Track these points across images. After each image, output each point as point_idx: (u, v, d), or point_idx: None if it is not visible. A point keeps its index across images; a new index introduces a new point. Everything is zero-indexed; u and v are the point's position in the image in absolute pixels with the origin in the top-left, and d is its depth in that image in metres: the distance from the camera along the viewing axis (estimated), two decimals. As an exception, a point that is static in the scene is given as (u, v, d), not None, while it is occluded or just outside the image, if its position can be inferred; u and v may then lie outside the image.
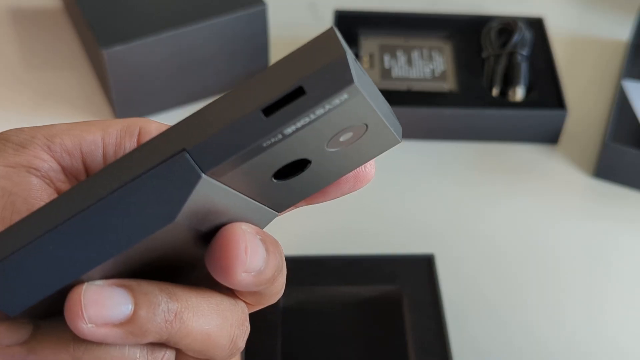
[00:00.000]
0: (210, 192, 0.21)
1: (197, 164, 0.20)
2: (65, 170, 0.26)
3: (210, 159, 0.20)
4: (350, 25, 0.72)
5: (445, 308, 0.52)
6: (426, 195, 0.62)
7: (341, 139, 0.22)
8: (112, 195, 0.21)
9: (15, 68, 0.72)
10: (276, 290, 0.26)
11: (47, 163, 0.26)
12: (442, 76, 0.68)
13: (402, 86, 0.67)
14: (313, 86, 0.19)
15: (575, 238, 0.59)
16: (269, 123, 0.20)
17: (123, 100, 0.65)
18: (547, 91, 0.67)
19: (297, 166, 0.23)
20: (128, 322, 0.21)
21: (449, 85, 0.67)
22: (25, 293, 0.21)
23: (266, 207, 0.25)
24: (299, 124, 0.20)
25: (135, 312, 0.21)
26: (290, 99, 0.20)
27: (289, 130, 0.20)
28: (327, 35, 0.20)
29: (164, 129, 0.27)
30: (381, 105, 0.23)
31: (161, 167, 0.20)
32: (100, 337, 0.21)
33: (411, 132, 0.66)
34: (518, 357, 0.52)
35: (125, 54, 0.61)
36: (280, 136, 0.20)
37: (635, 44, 0.74)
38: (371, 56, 0.69)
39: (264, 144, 0.20)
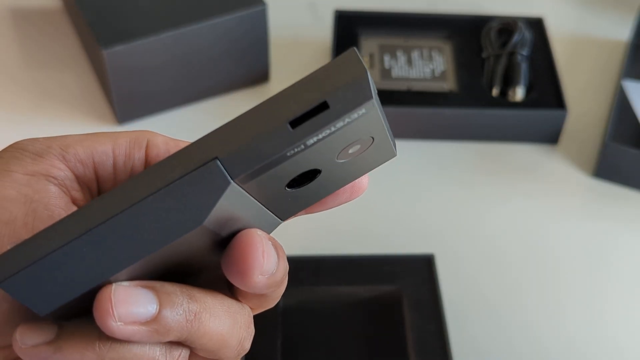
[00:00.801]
0: (234, 199, 0.23)
1: (227, 171, 0.22)
2: (78, 179, 0.27)
3: (239, 166, 0.22)
4: (350, 25, 0.72)
5: (445, 308, 0.52)
6: (426, 195, 0.62)
7: (350, 151, 0.24)
8: (146, 199, 0.22)
9: (15, 68, 0.72)
10: (279, 294, 0.27)
11: (63, 172, 0.27)
12: (442, 76, 0.68)
13: (402, 86, 0.67)
14: (336, 101, 0.21)
15: (575, 238, 0.59)
16: (294, 134, 0.22)
17: (123, 100, 0.65)
18: (547, 91, 0.67)
19: (308, 176, 0.25)
20: (153, 321, 0.23)
21: (449, 85, 0.67)
22: (57, 293, 0.22)
23: (273, 215, 0.26)
24: (320, 136, 0.22)
25: (160, 311, 0.23)
26: (314, 113, 0.22)
27: (311, 141, 0.22)
28: (348, 55, 0.22)
29: (170, 142, 0.29)
30: (385, 120, 0.24)
31: (194, 173, 0.22)
32: (127, 335, 0.22)
33: (411, 132, 0.66)
34: (518, 357, 0.52)
35: (125, 54, 0.61)
36: (302, 147, 0.22)
37: (635, 44, 0.74)
38: (371, 56, 0.69)
39: (288, 154, 0.22)
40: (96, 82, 0.70)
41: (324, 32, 0.75)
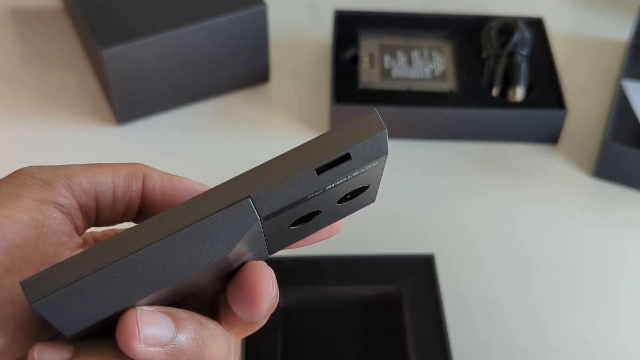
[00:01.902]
0: (254, 234, 0.25)
1: (256, 209, 0.24)
2: (81, 207, 0.29)
3: (268, 205, 0.24)
4: (350, 25, 0.72)
5: (445, 308, 0.52)
6: (426, 195, 0.62)
7: (349, 196, 0.27)
8: (181, 231, 0.24)
9: (16, 68, 0.72)
10: (263, 322, 0.29)
11: (69, 201, 0.28)
12: (442, 76, 0.68)
13: (402, 86, 0.67)
14: (358, 154, 0.25)
15: (574, 238, 0.59)
16: (318, 180, 0.25)
17: (123, 100, 0.65)
18: (547, 91, 0.67)
19: (309, 215, 0.27)
20: (169, 344, 0.25)
21: (449, 85, 0.67)
22: (84, 315, 0.23)
23: (267, 249, 0.28)
24: (338, 182, 0.25)
25: (176, 335, 0.25)
26: (338, 162, 0.25)
27: (329, 186, 0.25)
28: (370, 115, 0.25)
29: (164, 175, 0.31)
30: None
31: (228, 209, 0.24)
32: (148, 357, 0.24)
33: (411, 132, 0.66)
34: (518, 357, 0.52)
35: (125, 54, 0.61)
36: (322, 190, 0.25)
37: (635, 44, 0.74)
38: (371, 56, 0.69)
39: (309, 196, 0.25)
40: (96, 82, 0.70)
41: (324, 32, 0.75)
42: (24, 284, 0.23)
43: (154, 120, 0.67)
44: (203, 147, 0.65)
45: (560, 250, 0.58)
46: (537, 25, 0.73)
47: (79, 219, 0.29)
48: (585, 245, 0.59)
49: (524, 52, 0.68)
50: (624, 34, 0.78)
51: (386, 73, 0.68)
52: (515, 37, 0.69)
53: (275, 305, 0.27)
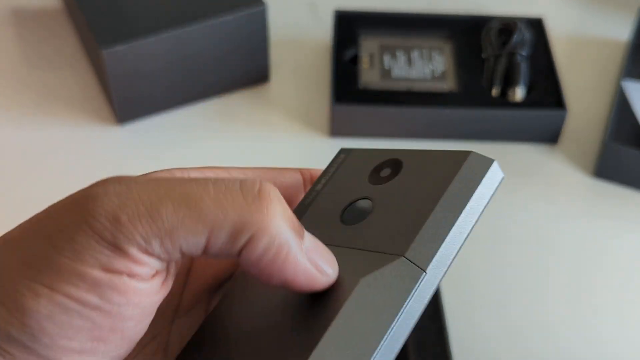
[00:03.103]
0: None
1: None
2: (168, 264, 0.24)
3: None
4: (350, 25, 0.72)
5: (445, 308, 0.52)
6: (426, 195, 0.62)
7: None
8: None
9: (16, 68, 0.72)
10: None
11: (146, 268, 0.22)
12: (442, 76, 0.68)
13: (402, 86, 0.67)
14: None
15: (574, 238, 0.59)
16: None
17: (123, 100, 0.65)
18: (547, 91, 0.67)
19: None
20: None
21: (449, 85, 0.67)
22: None
23: None
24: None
25: None
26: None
27: None
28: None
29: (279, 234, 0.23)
30: None
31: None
32: None
33: (411, 132, 0.66)
34: (518, 357, 0.52)
35: (125, 54, 0.61)
36: None
37: (635, 44, 0.74)
38: (371, 56, 0.69)
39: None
40: (96, 82, 0.70)
41: (324, 32, 0.75)
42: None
43: (154, 120, 0.67)
44: (203, 147, 0.65)
45: (560, 249, 0.58)
46: (537, 26, 0.73)
47: (162, 277, 0.23)
48: (585, 245, 0.59)
49: (524, 52, 0.68)
50: (624, 34, 0.78)
51: (386, 73, 0.68)
52: (515, 38, 0.69)
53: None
